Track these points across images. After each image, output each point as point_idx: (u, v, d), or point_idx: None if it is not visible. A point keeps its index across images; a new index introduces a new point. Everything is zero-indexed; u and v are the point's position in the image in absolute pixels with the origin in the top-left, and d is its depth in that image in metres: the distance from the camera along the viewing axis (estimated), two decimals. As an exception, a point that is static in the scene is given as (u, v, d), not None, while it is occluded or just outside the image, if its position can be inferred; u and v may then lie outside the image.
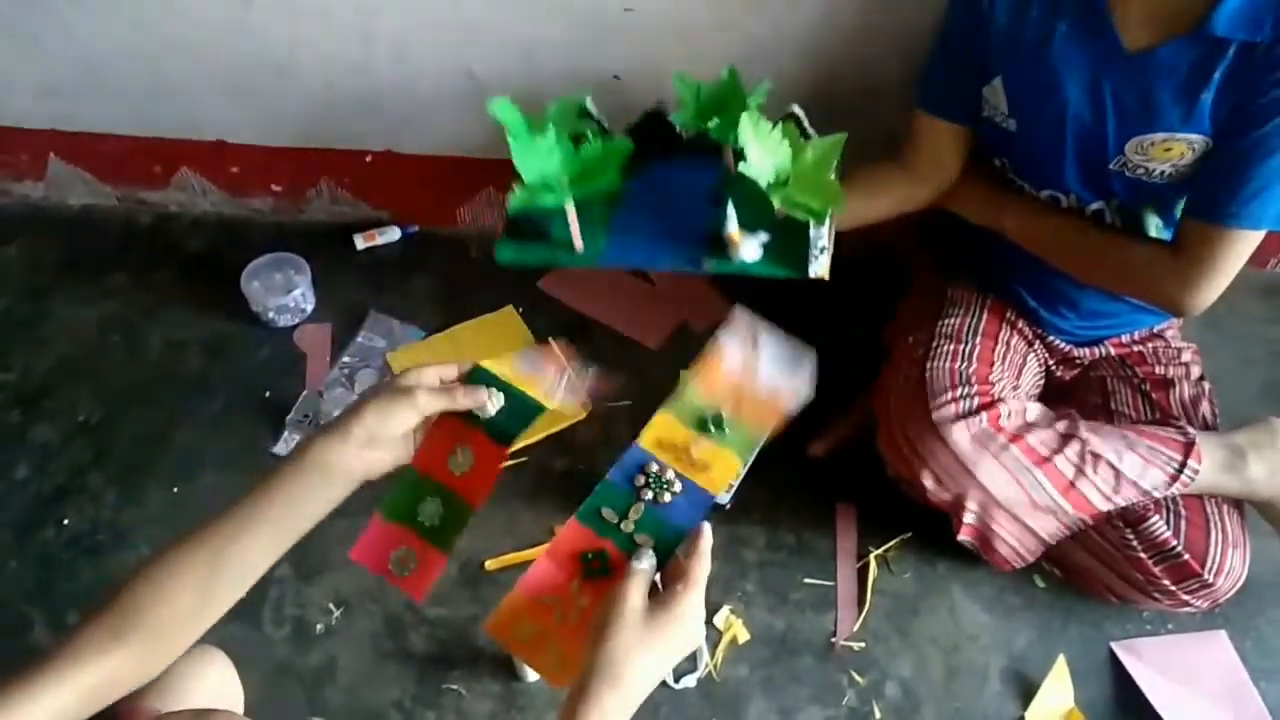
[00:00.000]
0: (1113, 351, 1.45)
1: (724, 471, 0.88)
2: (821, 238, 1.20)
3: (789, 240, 1.24)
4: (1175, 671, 1.38)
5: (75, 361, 1.71)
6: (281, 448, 1.57)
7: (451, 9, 1.55)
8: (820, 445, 1.57)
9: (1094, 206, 1.29)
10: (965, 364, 1.33)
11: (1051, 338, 1.45)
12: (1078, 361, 1.47)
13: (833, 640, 1.40)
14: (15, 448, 1.58)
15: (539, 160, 1.30)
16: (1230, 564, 1.27)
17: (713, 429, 0.91)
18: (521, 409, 0.88)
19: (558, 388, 0.91)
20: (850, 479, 1.55)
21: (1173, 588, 1.29)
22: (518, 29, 1.57)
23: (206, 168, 1.88)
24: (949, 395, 1.29)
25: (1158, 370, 1.43)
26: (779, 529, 1.51)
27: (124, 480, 1.55)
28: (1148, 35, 1.11)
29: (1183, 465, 1.27)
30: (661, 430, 0.91)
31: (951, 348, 1.36)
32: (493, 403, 0.87)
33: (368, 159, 1.82)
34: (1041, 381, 1.47)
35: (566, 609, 0.82)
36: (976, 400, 1.28)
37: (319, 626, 1.40)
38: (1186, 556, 1.27)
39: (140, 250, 1.90)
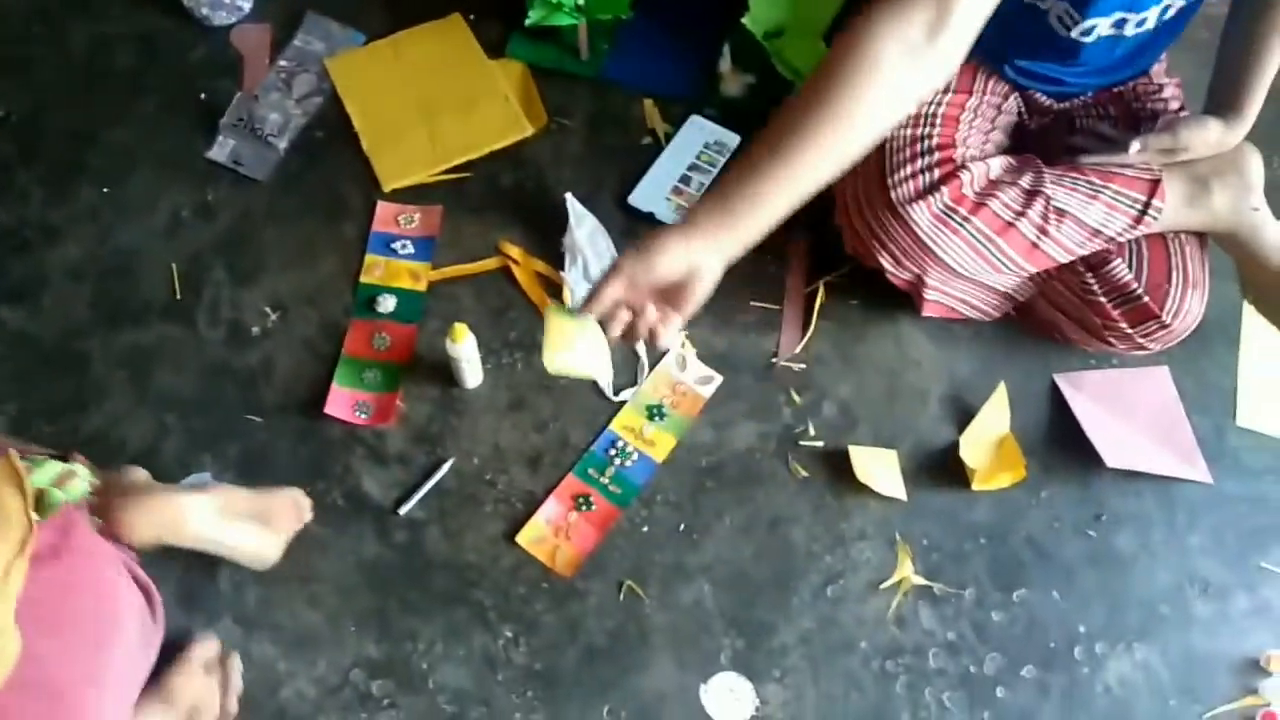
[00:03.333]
0: (1090, 97, 1.36)
1: (665, 445, 1.32)
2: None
3: (774, 86, 1.55)
4: (1113, 403, 1.38)
5: (-4, 54, 1.60)
6: (216, 152, 1.50)
7: None
8: None
9: (1145, 14, 1.17)
10: (928, 127, 1.25)
11: (1033, 92, 1.35)
12: (1053, 110, 1.38)
13: (774, 360, 1.39)
14: (-65, 142, 1.51)
15: None
16: (1189, 305, 1.25)
17: (657, 417, 1.33)
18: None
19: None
20: (807, 212, 1.49)
21: (1130, 331, 1.27)
22: None
23: None
24: (908, 170, 1.22)
25: (1134, 106, 1.35)
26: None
27: (52, 179, 1.48)
28: None
29: (1147, 205, 1.22)
30: (625, 419, 1.34)
31: (918, 109, 1.26)
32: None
33: None
34: (1013, 129, 1.39)
35: (568, 528, 1.26)
36: (937, 172, 1.21)
37: (255, 329, 1.38)
38: (1147, 299, 1.25)
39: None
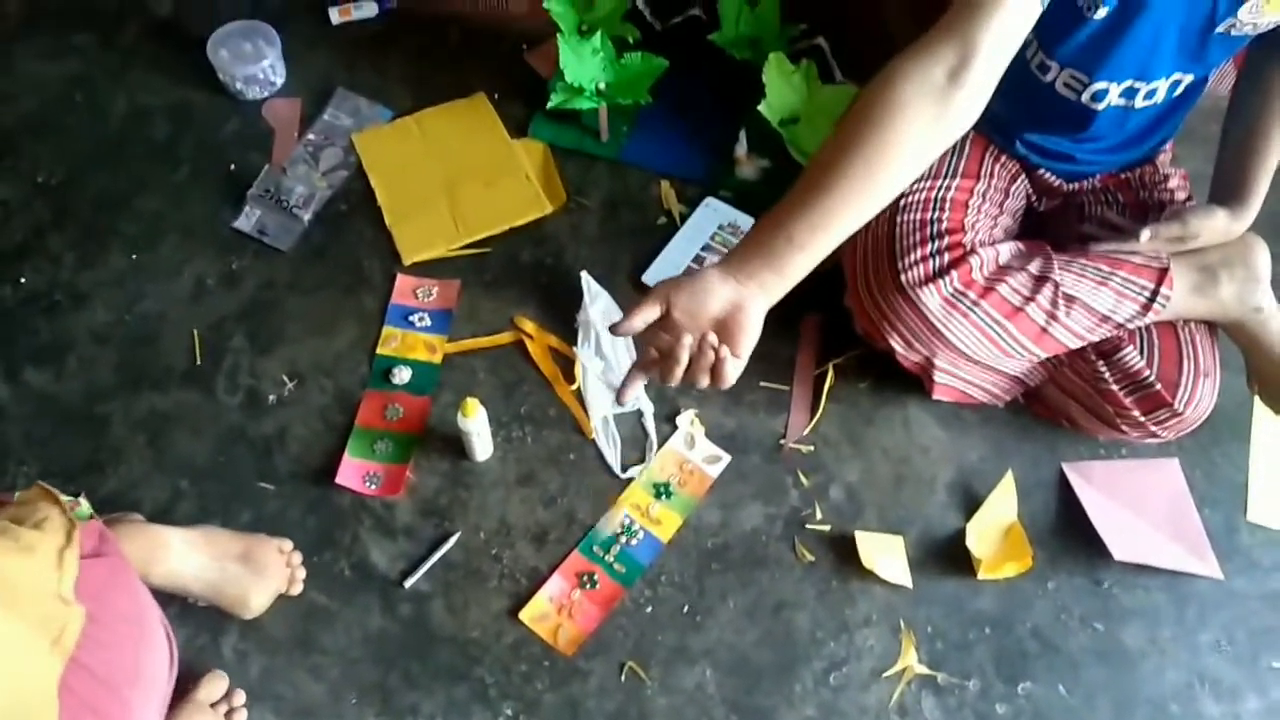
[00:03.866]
0: (1098, 182, 1.38)
1: (671, 525, 1.33)
2: None
3: (788, 171, 1.56)
4: (1122, 495, 1.38)
5: (37, 119, 1.65)
6: (242, 222, 1.54)
7: None
8: None
9: (1155, 85, 1.19)
10: (937, 212, 1.26)
11: (1041, 171, 1.37)
12: (1061, 192, 1.40)
13: (782, 442, 1.40)
14: (-27, 205, 1.56)
15: (583, 64, 1.56)
16: (1201, 393, 1.26)
17: (664, 496, 1.34)
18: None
19: None
20: (819, 291, 1.50)
21: (1142, 419, 1.28)
22: None
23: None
24: (918, 253, 1.23)
25: (1141, 195, 1.37)
26: (741, 333, 1.49)
27: (83, 243, 1.53)
28: None
29: (1155, 293, 1.23)
30: (633, 497, 1.35)
31: (924, 194, 1.28)
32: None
33: (346, -76, 1.72)
34: (1022, 214, 1.41)
35: (571, 606, 1.27)
36: (947, 257, 1.22)
37: (272, 397, 1.40)
38: (1159, 387, 1.25)
39: (109, 7, 1.81)
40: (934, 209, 1.27)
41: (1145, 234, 1.23)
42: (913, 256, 1.23)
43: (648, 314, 0.97)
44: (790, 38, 1.66)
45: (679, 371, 0.97)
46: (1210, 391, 1.28)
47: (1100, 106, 1.22)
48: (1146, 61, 1.17)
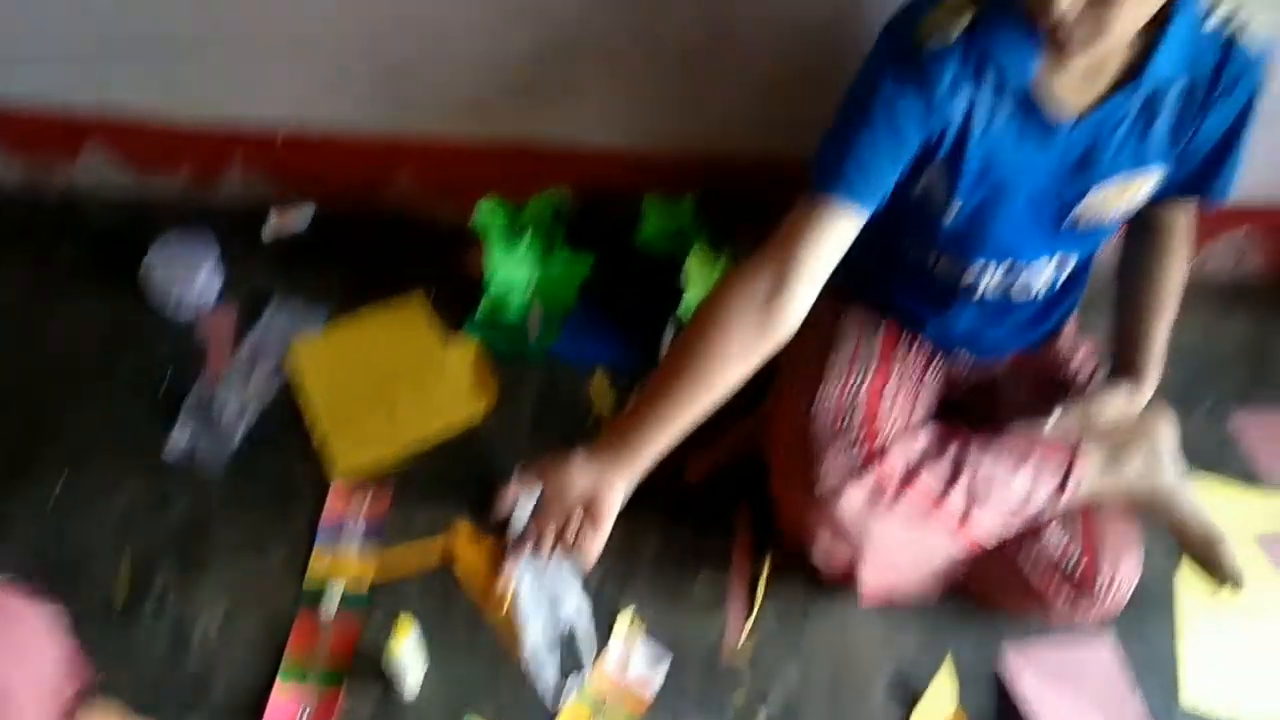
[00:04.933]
0: (1007, 363, 1.43)
1: None
2: None
3: None
4: (1061, 675, 1.38)
5: (-31, 340, 1.67)
6: (173, 442, 1.54)
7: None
8: (697, 470, 1.54)
9: (1032, 270, 1.27)
10: (851, 411, 1.29)
11: (951, 354, 1.42)
12: (973, 376, 1.45)
13: (720, 645, 1.39)
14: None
15: (511, 268, 1.62)
16: (1122, 574, 1.28)
17: (601, 715, 1.33)
18: None
19: None
20: (752, 479, 1.53)
21: (1067, 603, 1.29)
22: (421, 9, 1.55)
23: (116, 145, 1.82)
24: (833, 455, 1.25)
25: (1049, 373, 1.41)
26: (675, 527, 1.50)
27: (10, 466, 1.52)
28: (1088, 98, 1.11)
29: (1068, 475, 1.26)
30: (571, 716, 1.33)
31: (838, 391, 1.31)
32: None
33: (280, 138, 1.78)
34: (939, 396, 1.45)
35: None
36: (862, 457, 1.25)
37: (200, 626, 1.38)
38: (1080, 570, 1.27)
39: (45, 227, 1.85)
40: (848, 405, 1.30)
41: (1052, 418, 1.27)
42: (829, 459, 1.25)
43: (518, 491, 1.18)
44: (712, 231, 1.72)
45: (546, 545, 1.18)
46: (1132, 570, 1.29)
47: (981, 289, 1.28)
48: (1014, 250, 1.24)
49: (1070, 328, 1.45)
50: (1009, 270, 1.26)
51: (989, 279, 1.27)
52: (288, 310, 1.73)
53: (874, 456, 1.25)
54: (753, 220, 1.73)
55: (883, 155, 1.11)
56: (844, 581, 1.37)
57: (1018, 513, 1.27)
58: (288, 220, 1.85)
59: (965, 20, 1.08)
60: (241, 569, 1.43)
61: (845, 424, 1.28)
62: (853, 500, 1.24)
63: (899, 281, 1.36)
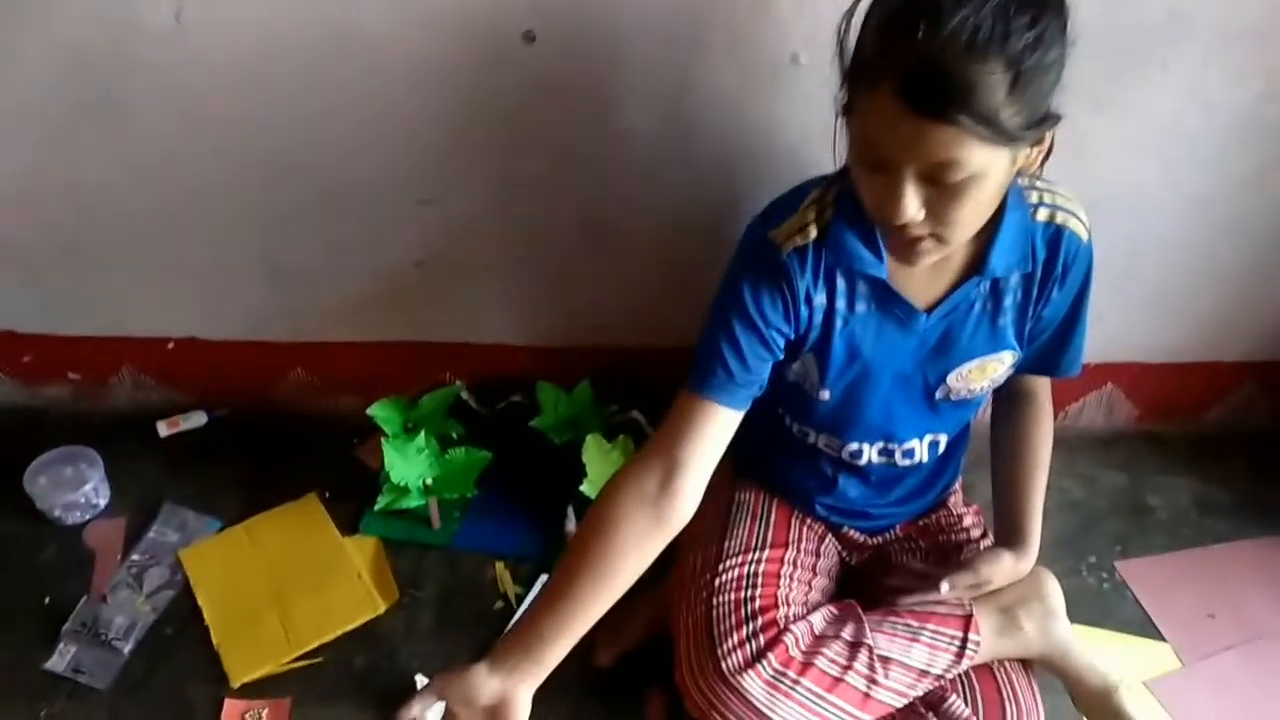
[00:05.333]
0: (900, 532, 1.48)
1: None
2: None
3: None
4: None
5: None
6: (55, 661, 1.47)
7: (256, 195, 1.59)
8: (606, 653, 1.53)
9: (909, 444, 1.34)
10: (750, 589, 1.31)
11: (844, 529, 1.47)
12: (868, 546, 1.49)
13: (637, 838, 1.35)
14: None
15: (408, 463, 1.65)
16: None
17: None
18: None
19: None
20: (660, 659, 1.52)
21: None
22: (321, 222, 1.61)
23: (-2, 355, 1.81)
24: (735, 638, 1.26)
25: (940, 538, 1.47)
26: (587, 711, 1.47)
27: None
28: (937, 290, 1.20)
29: (964, 640, 1.29)
30: None
31: (736, 572, 1.34)
32: None
33: (170, 345, 1.79)
34: (836, 570, 1.48)
35: None
36: (763, 639, 1.26)
37: None
38: None
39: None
40: (747, 586, 1.32)
41: (944, 586, 1.32)
42: (731, 641, 1.26)
43: (423, 705, 1.16)
44: (607, 415, 1.77)
45: None
46: (1037, 725, 1.32)
47: (863, 463, 1.34)
48: (889, 427, 1.31)
49: (956, 494, 1.51)
50: (884, 448, 1.34)
51: (868, 455, 1.34)
52: (180, 518, 1.69)
53: (774, 639, 1.25)
54: (645, 405, 1.82)
55: (749, 354, 1.18)
56: None
57: (916, 683, 1.29)
58: (179, 424, 1.84)
59: (817, 225, 1.17)
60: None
61: (745, 605, 1.30)
62: (756, 680, 1.24)
63: (787, 457, 1.42)
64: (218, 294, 1.71)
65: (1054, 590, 1.37)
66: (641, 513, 1.15)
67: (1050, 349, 1.31)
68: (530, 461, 1.77)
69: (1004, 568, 1.33)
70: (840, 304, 1.20)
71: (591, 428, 1.70)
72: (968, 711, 1.29)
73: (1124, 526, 1.83)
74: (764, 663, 1.24)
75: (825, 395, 1.26)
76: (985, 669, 1.34)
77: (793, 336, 1.21)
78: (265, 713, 1.44)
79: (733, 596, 1.31)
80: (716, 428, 1.18)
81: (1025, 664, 1.37)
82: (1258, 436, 2.00)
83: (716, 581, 1.32)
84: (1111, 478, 1.93)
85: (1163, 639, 1.64)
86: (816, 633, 1.29)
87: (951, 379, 1.27)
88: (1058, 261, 1.21)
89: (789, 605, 1.32)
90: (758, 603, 1.30)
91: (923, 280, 1.20)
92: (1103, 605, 1.67)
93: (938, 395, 1.29)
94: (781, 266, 1.17)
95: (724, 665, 1.25)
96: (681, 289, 1.72)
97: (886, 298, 1.20)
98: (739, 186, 1.58)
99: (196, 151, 1.53)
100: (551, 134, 1.52)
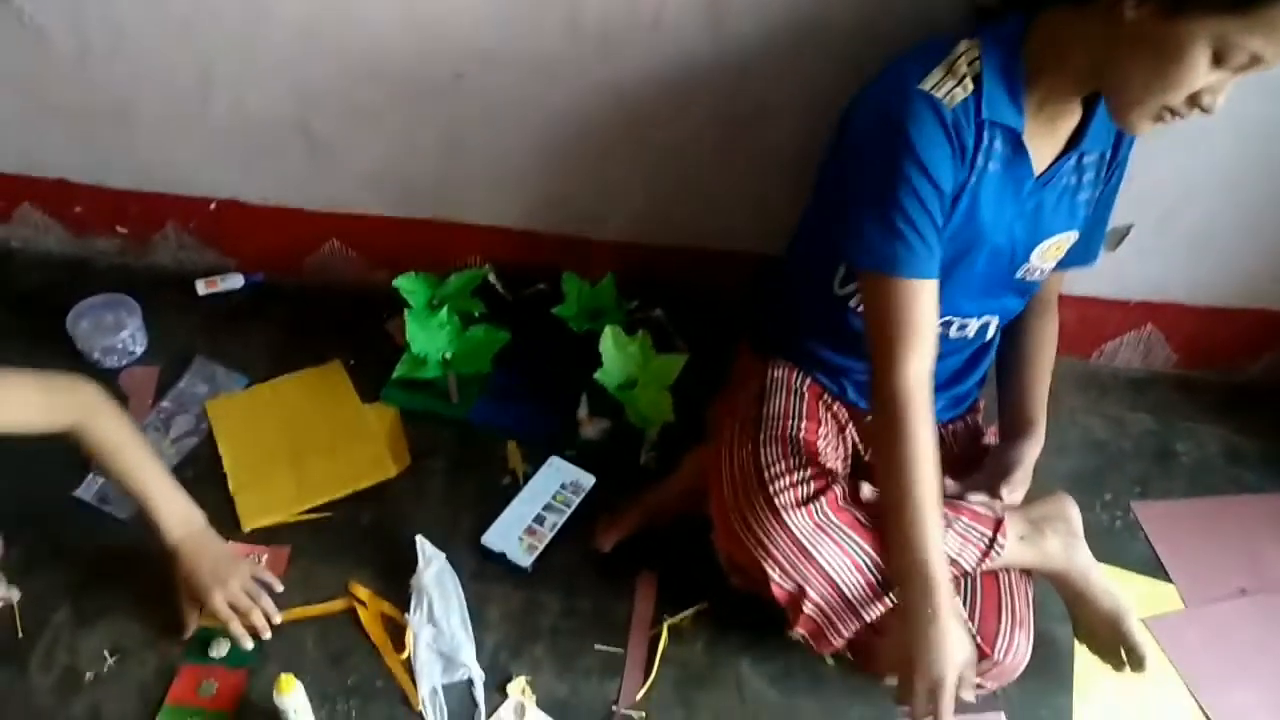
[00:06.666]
0: None
1: None
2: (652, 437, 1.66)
3: (627, 432, 1.67)
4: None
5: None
6: (83, 490, 1.55)
7: (291, 70, 1.61)
8: (607, 539, 1.56)
9: (980, 322, 1.38)
10: (795, 445, 1.34)
11: (869, 418, 1.47)
12: None
13: (614, 708, 1.39)
14: None
15: (429, 336, 1.67)
16: (1017, 643, 1.31)
17: None
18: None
19: None
20: (654, 549, 1.55)
21: None
22: (356, 94, 1.62)
23: (50, 205, 1.87)
24: (787, 480, 1.29)
25: (956, 449, 1.48)
26: (576, 595, 1.51)
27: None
28: (1046, 158, 1.23)
29: (993, 541, 1.30)
30: None
31: (780, 430, 1.36)
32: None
33: (212, 206, 1.84)
34: (850, 462, 1.49)
35: None
36: (813, 484, 1.29)
37: (89, 675, 1.36)
38: (979, 637, 1.29)
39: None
40: (792, 442, 1.35)
41: (1004, 491, 1.38)
42: (783, 481, 1.28)
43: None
44: (628, 310, 1.78)
45: None
46: (1025, 641, 1.32)
47: None
48: (963, 300, 1.33)
49: (978, 413, 1.52)
50: (945, 320, 1.35)
51: None
52: (210, 372, 1.75)
53: (824, 487, 1.29)
54: (669, 305, 1.83)
55: (939, 217, 1.20)
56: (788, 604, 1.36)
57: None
58: (217, 285, 1.89)
59: (971, 77, 1.17)
60: (137, 617, 1.42)
61: (794, 458, 1.32)
62: (806, 520, 1.26)
63: (830, 334, 1.43)
64: (256, 157, 1.75)
65: (1076, 515, 1.39)
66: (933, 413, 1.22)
67: (1088, 235, 1.35)
68: (549, 347, 1.79)
69: (1033, 452, 1.41)
70: (980, 160, 1.20)
71: (612, 320, 1.71)
72: (964, 614, 1.30)
73: (1146, 469, 1.80)
74: (816, 505, 1.27)
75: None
76: (991, 577, 1.36)
77: (955, 186, 1.21)
78: (265, 558, 1.50)
79: (780, 447, 1.34)
80: (933, 303, 1.22)
81: (1028, 579, 1.39)
82: (1297, 392, 1.94)
83: (761, 435, 1.35)
84: (1140, 420, 1.89)
85: (1169, 580, 1.62)
86: (863, 498, 1.31)
87: (1034, 255, 1.30)
88: (1123, 143, 1.28)
89: (830, 463, 1.35)
90: (804, 453, 1.33)
91: (1040, 145, 1.22)
92: (1113, 543, 1.65)
93: (1018, 274, 1.31)
94: (950, 121, 1.16)
95: (777, 500, 1.27)
96: (716, 190, 1.72)
97: (1017, 155, 1.21)
98: (784, 85, 1.57)
99: (234, 7, 1.55)
100: (592, 13, 1.51)
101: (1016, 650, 1.30)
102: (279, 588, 1.41)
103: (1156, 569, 1.64)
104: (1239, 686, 1.48)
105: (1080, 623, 1.41)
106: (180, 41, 1.60)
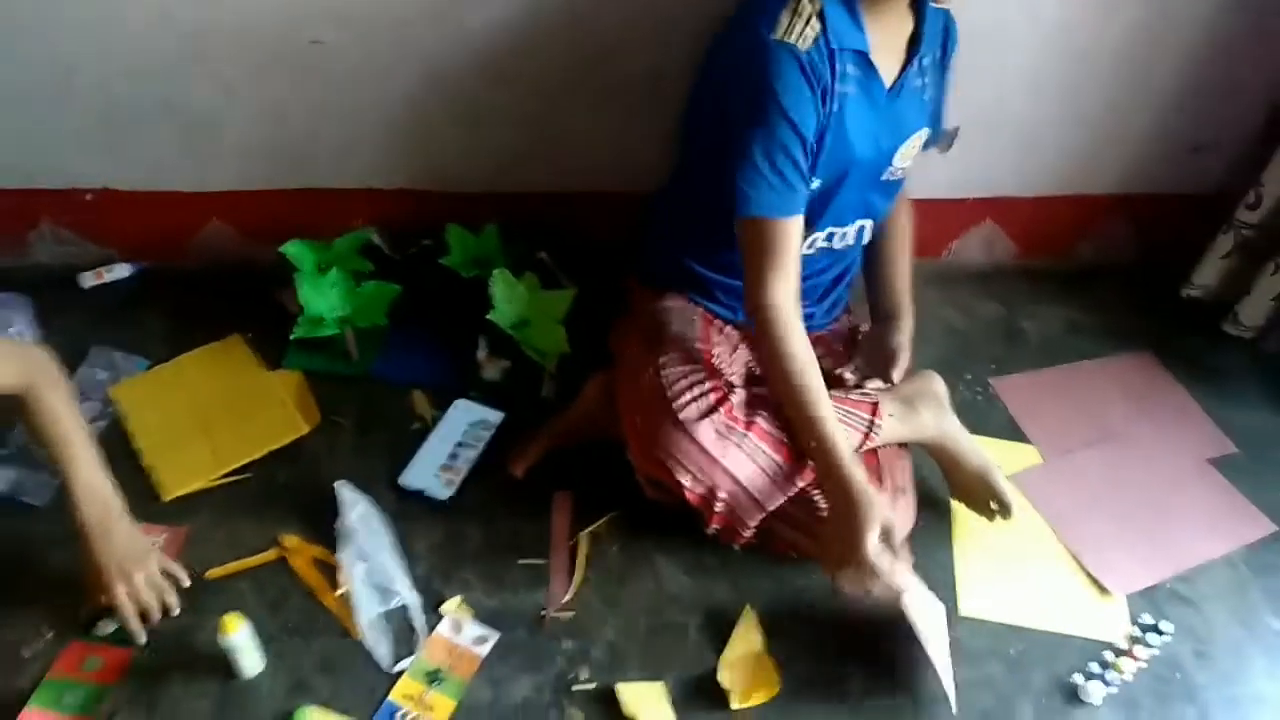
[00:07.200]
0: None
1: (445, 709, 1.37)
2: (550, 369, 1.76)
3: (527, 368, 1.78)
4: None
5: None
6: (-3, 481, 1.56)
7: (151, 51, 1.63)
8: (520, 464, 1.65)
9: (856, 228, 1.53)
10: (694, 364, 1.47)
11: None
12: None
13: (544, 613, 1.49)
14: None
15: (322, 297, 1.73)
16: (900, 508, 1.47)
17: (436, 682, 1.40)
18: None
19: None
20: (564, 470, 1.65)
21: None
22: (217, 70, 1.66)
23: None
24: (688, 396, 1.41)
25: (835, 345, 1.63)
26: (497, 520, 1.60)
27: None
28: (894, 70, 1.38)
29: (872, 423, 1.45)
30: (405, 688, 1.39)
31: (679, 352, 1.49)
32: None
33: (88, 197, 1.84)
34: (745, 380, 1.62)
35: None
36: (712, 397, 1.42)
37: (26, 652, 1.39)
38: None
39: None
40: (690, 361, 1.47)
41: (849, 372, 1.54)
42: (685, 399, 1.41)
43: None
44: (514, 255, 1.87)
45: None
46: (908, 506, 1.49)
47: (812, 252, 1.50)
48: (844, 212, 1.48)
49: (849, 315, 1.70)
50: (829, 233, 1.50)
51: (818, 244, 1.51)
52: (108, 359, 1.77)
53: (722, 399, 1.42)
54: (552, 246, 1.92)
55: (802, 162, 1.33)
56: (700, 505, 1.47)
57: None
58: (103, 276, 1.90)
59: (815, 14, 1.28)
60: (57, 603, 1.45)
61: (693, 376, 1.45)
62: (708, 431, 1.39)
63: (722, 265, 1.55)
64: (126, 143, 1.77)
65: (943, 389, 1.56)
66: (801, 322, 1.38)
67: (934, 128, 1.51)
68: (441, 296, 1.87)
69: (909, 331, 1.57)
70: (838, 87, 1.33)
71: (498, 264, 1.79)
72: None
73: (999, 349, 2.00)
74: (715, 415, 1.39)
75: (816, 184, 1.39)
76: (870, 455, 1.50)
77: (817, 128, 1.33)
78: (164, 537, 1.52)
79: (679, 368, 1.46)
80: (799, 233, 1.37)
81: (905, 453, 1.56)
82: (1126, 270, 2.17)
83: (661, 359, 1.47)
84: (988, 307, 2.08)
85: (1028, 441, 1.81)
86: (752, 395, 1.44)
87: (896, 158, 1.44)
88: (949, 42, 1.45)
89: (726, 376, 1.47)
90: (701, 373, 1.45)
91: (885, 59, 1.36)
92: (977, 415, 1.82)
93: (884, 175, 1.46)
94: (808, 64, 1.28)
95: (681, 415, 1.39)
96: (576, 133, 1.81)
97: (868, 73, 1.35)
98: (655, 27, 1.68)
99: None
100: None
101: (902, 515, 1.46)
102: (186, 582, 1.42)
103: (1016, 433, 1.83)
104: (1093, 520, 1.67)
105: (954, 483, 1.60)
106: (35, 30, 1.60)
